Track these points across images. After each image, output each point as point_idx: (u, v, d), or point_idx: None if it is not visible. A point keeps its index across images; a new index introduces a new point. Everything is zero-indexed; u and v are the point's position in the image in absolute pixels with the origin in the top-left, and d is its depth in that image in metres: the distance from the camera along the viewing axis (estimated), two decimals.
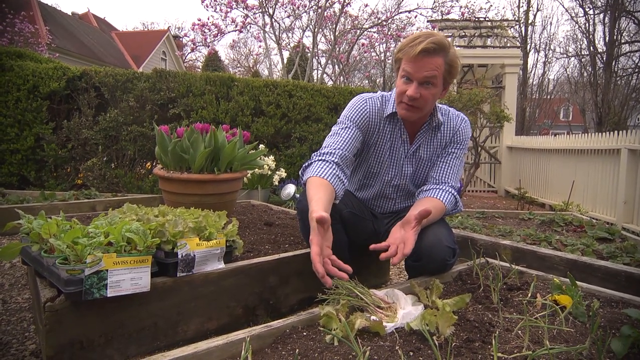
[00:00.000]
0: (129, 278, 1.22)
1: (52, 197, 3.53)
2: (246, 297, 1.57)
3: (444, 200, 1.59)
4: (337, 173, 1.50)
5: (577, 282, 1.33)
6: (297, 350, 0.98)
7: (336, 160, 1.53)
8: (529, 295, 1.30)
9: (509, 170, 7.79)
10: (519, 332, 1.07)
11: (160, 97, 4.56)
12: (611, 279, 1.74)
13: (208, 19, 8.37)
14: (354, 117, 1.64)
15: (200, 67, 19.94)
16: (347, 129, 1.62)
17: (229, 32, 8.58)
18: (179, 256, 1.37)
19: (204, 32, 8.51)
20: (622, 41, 18.12)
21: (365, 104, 1.66)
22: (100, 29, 21.03)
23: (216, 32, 8.50)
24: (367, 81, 15.25)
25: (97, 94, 4.57)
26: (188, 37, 9.40)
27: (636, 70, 18.02)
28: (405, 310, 1.17)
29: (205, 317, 1.47)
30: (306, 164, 1.58)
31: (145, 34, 23.23)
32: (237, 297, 1.54)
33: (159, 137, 2.25)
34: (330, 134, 1.65)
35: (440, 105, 1.70)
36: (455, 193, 1.65)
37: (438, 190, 1.62)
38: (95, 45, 17.84)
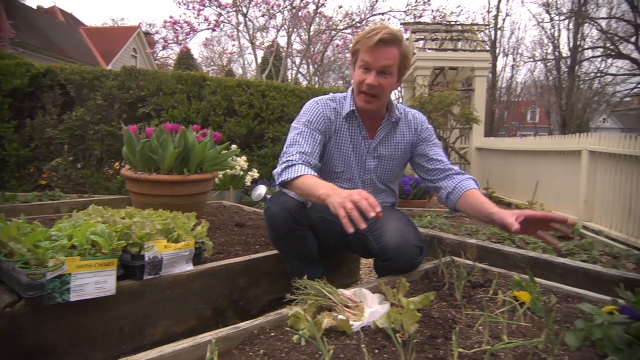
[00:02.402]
0: (93, 282, 1.20)
1: (13, 198, 3.39)
2: (215, 299, 1.56)
3: (476, 186, 1.63)
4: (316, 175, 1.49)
5: (536, 278, 1.38)
6: (264, 351, 0.99)
7: (308, 168, 1.50)
8: (491, 292, 1.36)
9: (478, 171, 7.98)
10: (480, 327, 1.12)
11: (129, 95, 4.45)
12: (570, 275, 1.81)
13: (180, 16, 8.25)
14: (312, 120, 1.63)
15: (173, 65, 19.55)
16: (304, 133, 1.60)
17: (201, 30, 8.48)
18: (146, 259, 1.35)
19: (176, 29, 8.37)
20: (585, 47, 18.90)
21: (318, 106, 1.67)
22: (67, 24, 20.30)
23: (188, 29, 8.37)
24: (341, 82, 15.33)
25: (63, 91, 4.42)
26: (159, 34, 9.20)
27: (598, 75, 18.83)
28: (372, 309, 1.19)
29: (173, 320, 1.45)
30: (279, 169, 1.52)
31: (115, 30, 22.56)
32: (206, 299, 1.54)
33: (126, 137, 2.21)
34: (289, 143, 1.59)
35: (397, 104, 1.76)
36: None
37: (466, 179, 1.64)
38: (62, 41, 17.20)
